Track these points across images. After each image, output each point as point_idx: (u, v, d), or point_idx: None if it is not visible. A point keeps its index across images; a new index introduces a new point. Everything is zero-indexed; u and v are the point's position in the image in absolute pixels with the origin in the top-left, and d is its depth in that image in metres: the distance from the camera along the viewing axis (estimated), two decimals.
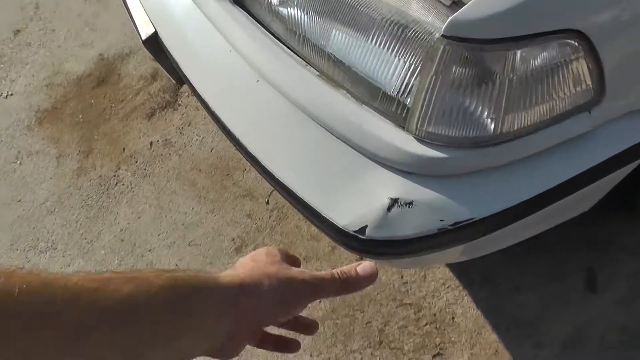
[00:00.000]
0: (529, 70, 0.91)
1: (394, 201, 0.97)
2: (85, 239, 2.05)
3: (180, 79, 1.47)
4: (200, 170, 2.08)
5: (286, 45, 1.15)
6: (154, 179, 2.11)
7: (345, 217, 1.00)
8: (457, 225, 0.95)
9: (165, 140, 2.19)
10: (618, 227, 1.67)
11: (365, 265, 0.66)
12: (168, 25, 1.39)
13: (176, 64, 1.36)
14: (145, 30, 1.42)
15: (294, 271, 0.60)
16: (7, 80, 2.54)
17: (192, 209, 2.00)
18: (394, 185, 0.98)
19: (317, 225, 1.09)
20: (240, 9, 1.24)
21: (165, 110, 2.26)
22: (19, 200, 2.21)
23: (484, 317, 1.62)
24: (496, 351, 1.57)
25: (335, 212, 1.01)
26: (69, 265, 2.00)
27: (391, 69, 0.97)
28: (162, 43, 1.40)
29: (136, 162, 2.17)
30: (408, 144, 0.96)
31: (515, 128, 0.92)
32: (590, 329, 1.56)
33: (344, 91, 1.06)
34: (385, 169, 1.00)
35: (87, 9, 2.68)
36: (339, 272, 0.62)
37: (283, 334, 0.68)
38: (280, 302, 0.57)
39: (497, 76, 0.90)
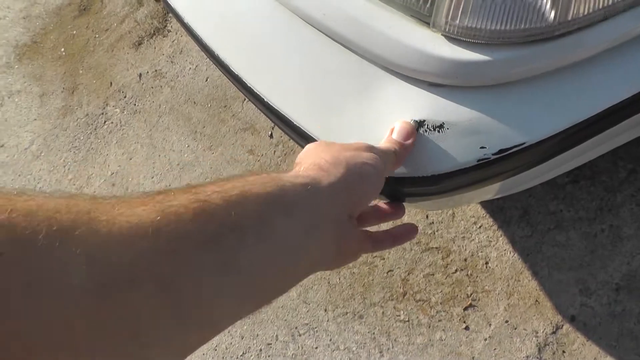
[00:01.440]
0: None
1: (419, 124, 0.73)
2: (74, 185, 1.87)
3: None
4: (195, 102, 1.84)
5: None
6: (144, 115, 1.89)
7: None
8: (504, 153, 0.71)
9: (156, 71, 1.95)
10: None
11: (398, 129, 0.71)
12: None
13: None
14: None
15: (358, 146, 0.61)
16: None
17: (188, 146, 1.78)
18: (419, 103, 0.73)
19: None
20: None
21: (154, 37, 2.01)
22: (2, 146, 2.02)
23: (522, 261, 1.39)
24: (537, 301, 1.35)
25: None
26: None
27: None
28: None
29: (125, 97, 1.95)
30: (435, 46, 0.71)
31: (585, 12, 0.66)
32: None
33: None
34: (406, 82, 0.75)
35: None
36: (395, 144, 0.68)
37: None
38: (366, 177, 0.58)
39: None
